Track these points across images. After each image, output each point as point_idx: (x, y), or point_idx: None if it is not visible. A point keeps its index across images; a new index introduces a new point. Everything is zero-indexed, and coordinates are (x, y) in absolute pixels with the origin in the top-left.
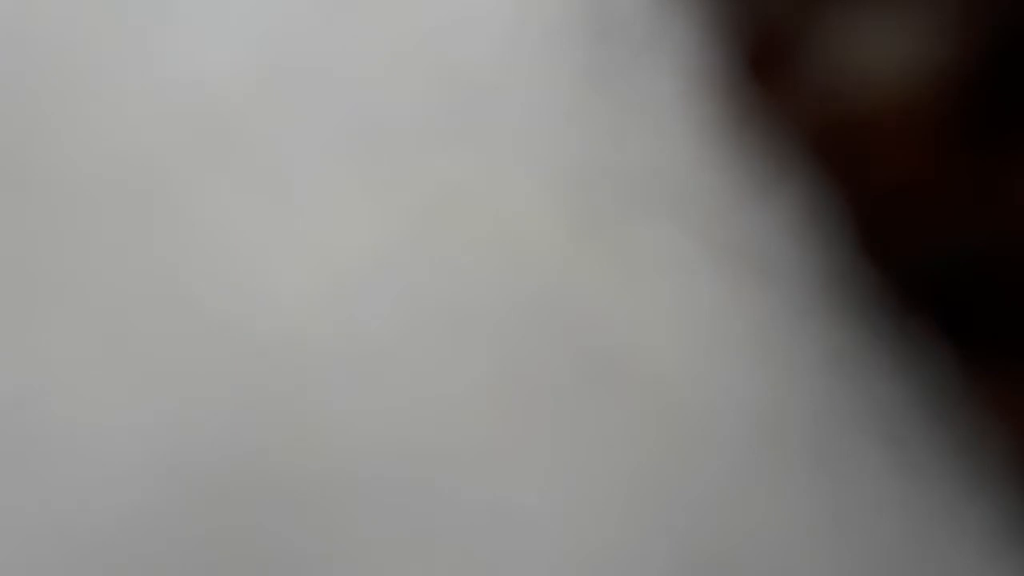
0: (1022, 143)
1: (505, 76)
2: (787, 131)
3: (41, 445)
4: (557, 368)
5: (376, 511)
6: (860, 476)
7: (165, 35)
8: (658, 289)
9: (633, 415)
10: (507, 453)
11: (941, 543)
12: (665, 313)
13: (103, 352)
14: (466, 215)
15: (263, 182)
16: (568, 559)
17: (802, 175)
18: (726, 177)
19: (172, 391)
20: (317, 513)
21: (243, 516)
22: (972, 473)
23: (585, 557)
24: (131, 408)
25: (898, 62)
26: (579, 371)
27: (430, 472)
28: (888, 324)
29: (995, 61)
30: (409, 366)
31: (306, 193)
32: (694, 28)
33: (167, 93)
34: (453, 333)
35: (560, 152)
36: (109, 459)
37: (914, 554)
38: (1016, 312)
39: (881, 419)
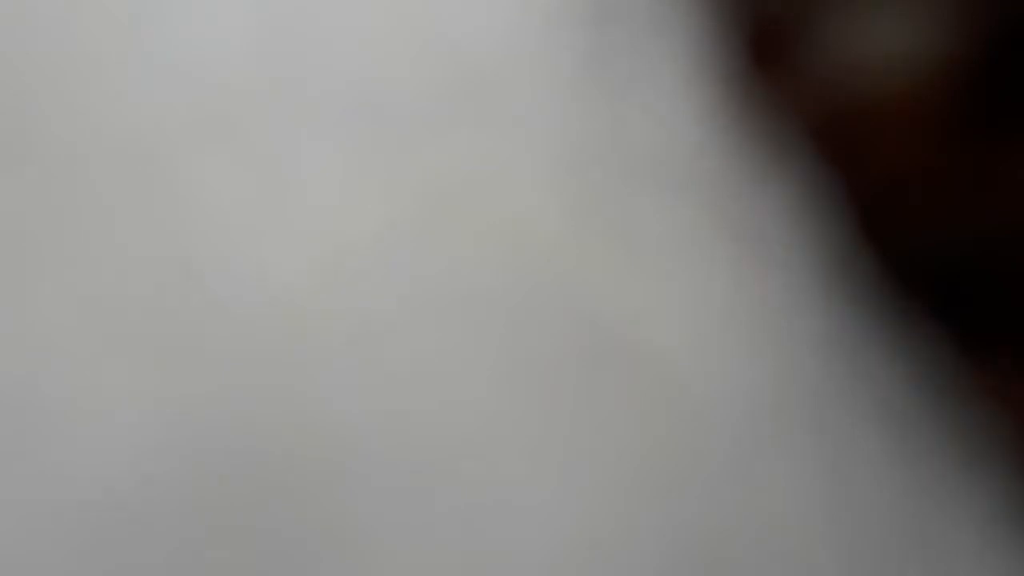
0: (1022, 132)
1: (507, 63)
2: (788, 119)
3: (39, 430)
4: (560, 357)
5: (377, 501)
6: (860, 460)
7: (165, 17)
8: (661, 275)
9: (636, 402)
10: (511, 442)
11: (940, 526)
12: (669, 298)
13: (101, 337)
14: (469, 202)
15: (266, 169)
16: (573, 545)
17: (803, 162)
18: (728, 163)
19: (172, 378)
20: (317, 500)
21: (243, 506)
22: (971, 457)
23: (590, 544)
24: (131, 394)
25: (900, 51)
26: (582, 360)
27: (433, 461)
28: (888, 310)
29: (996, 50)
30: (412, 355)
31: (308, 181)
32: (696, 15)
33: (168, 76)
34: (457, 322)
35: (563, 139)
36: (107, 446)
37: (913, 537)
38: (1015, 300)
39: (881, 404)
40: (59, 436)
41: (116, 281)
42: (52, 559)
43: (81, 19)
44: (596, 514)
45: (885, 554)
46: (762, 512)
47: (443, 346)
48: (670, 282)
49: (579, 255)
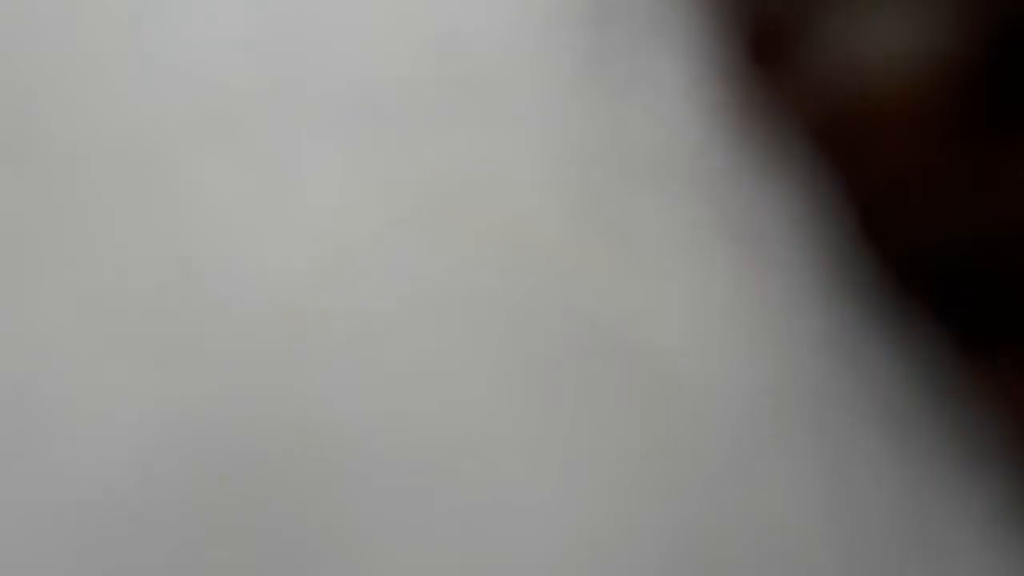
0: (1022, 132)
1: (507, 63)
2: (788, 119)
3: (39, 430)
4: (560, 357)
5: (377, 501)
6: (860, 460)
7: (165, 17)
8: (661, 275)
9: (636, 402)
10: (511, 442)
11: (940, 526)
12: (669, 298)
13: (101, 337)
14: (469, 202)
15: (266, 169)
16: (573, 545)
17: (804, 161)
18: (728, 164)
19: (172, 378)
20: (317, 500)
21: (243, 506)
22: (971, 456)
23: (590, 544)
24: (131, 394)
25: (900, 51)
26: (582, 360)
27: (433, 460)
28: (888, 310)
29: (996, 50)
30: (412, 355)
31: (308, 181)
32: (696, 15)
33: (168, 76)
34: (457, 322)
35: (563, 139)
36: (107, 446)
37: (913, 537)
38: (1015, 300)
39: (881, 404)
40: (59, 436)
41: (116, 281)
42: (52, 559)
43: (81, 19)
44: (596, 514)
45: (885, 554)
46: (762, 512)
47: (443, 346)
48: (670, 282)
49: (579, 255)
